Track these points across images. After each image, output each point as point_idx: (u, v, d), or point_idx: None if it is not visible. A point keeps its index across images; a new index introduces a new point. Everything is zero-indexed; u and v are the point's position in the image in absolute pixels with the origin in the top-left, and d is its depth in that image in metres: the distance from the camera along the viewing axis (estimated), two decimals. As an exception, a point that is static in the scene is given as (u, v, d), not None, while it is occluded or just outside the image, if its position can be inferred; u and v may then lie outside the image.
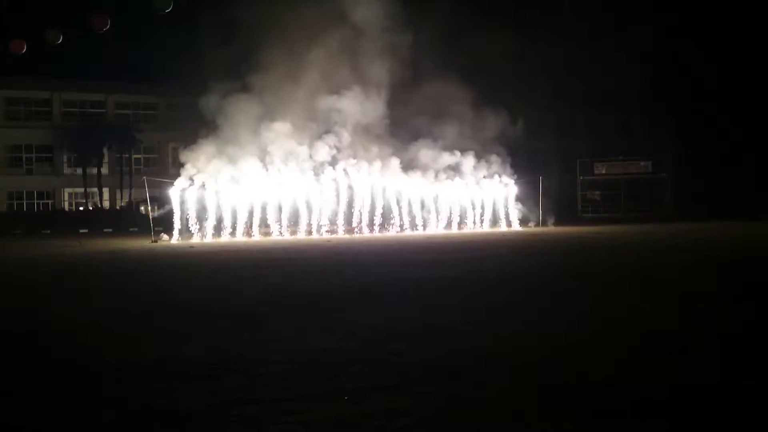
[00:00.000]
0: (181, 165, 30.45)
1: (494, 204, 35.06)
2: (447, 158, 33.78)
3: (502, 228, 34.31)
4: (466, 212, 34.44)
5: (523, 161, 36.49)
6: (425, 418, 4.61)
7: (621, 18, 41.34)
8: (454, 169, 34.10)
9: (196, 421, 4.67)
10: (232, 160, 29.82)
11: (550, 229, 33.32)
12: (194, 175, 29.36)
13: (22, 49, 23.87)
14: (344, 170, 31.39)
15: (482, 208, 34.80)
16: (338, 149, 31.49)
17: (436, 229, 33.24)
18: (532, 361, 6.13)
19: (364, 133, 32.18)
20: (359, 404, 4.89)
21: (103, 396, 5.33)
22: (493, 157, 34.97)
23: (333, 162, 31.31)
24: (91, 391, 5.48)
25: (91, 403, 5.16)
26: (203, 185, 29.37)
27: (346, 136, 31.48)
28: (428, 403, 4.90)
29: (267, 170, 30.34)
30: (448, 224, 33.83)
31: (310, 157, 30.97)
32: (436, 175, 33.56)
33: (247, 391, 5.29)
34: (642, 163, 44.43)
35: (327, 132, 31.39)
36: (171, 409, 4.93)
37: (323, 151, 30.98)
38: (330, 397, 5.08)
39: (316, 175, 30.94)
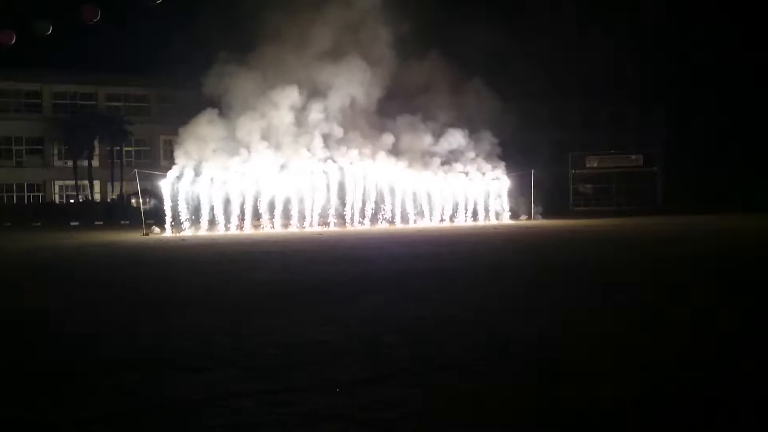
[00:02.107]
0: (173, 150, 30.29)
1: (486, 197, 35.10)
2: (438, 150, 33.72)
3: (494, 221, 34.37)
4: (457, 205, 34.44)
5: (514, 154, 36.54)
6: (418, 410, 4.60)
7: (615, 11, 41.38)
8: (446, 162, 34.07)
9: (189, 414, 4.65)
10: (227, 145, 29.60)
11: (542, 222, 33.36)
12: (187, 161, 29.06)
13: (11, 40, 23.61)
14: (332, 156, 31.11)
15: (474, 201, 34.82)
16: (332, 118, 31.14)
17: (428, 222, 33.21)
18: (531, 353, 6.14)
19: (356, 117, 32.03)
20: (352, 396, 4.87)
21: (93, 389, 5.29)
22: (486, 151, 34.96)
23: (325, 141, 31.00)
24: (81, 385, 5.44)
25: (81, 396, 5.12)
26: (197, 174, 29.13)
27: (341, 103, 31.21)
28: (422, 395, 4.89)
29: (263, 150, 29.98)
30: (441, 218, 33.82)
31: (309, 126, 30.67)
32: (427, 168, 33.48)
33: (239, 384, 5.26)
34: (633, 157, 44.64)
35: (320, 98, 31.10)
36: (163, 402, 4.90)
37: (315, 116, 30.66)
38: (322, 389, 5.07)
39: (309, 150, 30.60)
